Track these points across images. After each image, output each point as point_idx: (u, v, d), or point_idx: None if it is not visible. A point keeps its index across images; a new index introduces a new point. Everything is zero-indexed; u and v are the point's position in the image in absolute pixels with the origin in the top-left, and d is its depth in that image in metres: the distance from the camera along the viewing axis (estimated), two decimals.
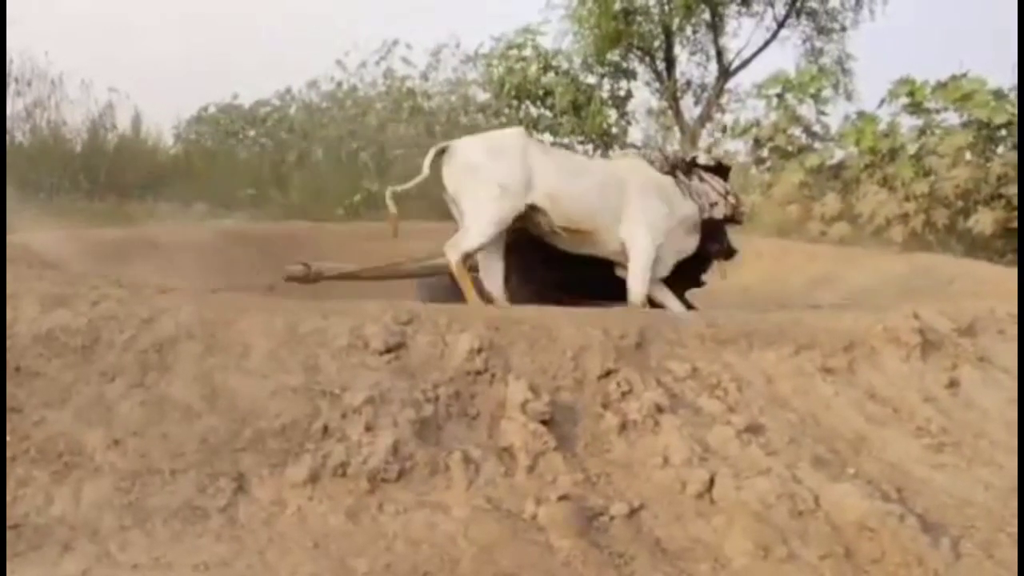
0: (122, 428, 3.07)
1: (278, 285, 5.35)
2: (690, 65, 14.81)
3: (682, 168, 5.19)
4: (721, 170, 5.33)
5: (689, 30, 14.48)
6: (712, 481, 3.04)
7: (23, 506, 2.79)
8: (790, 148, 8.79)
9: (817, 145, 8.86)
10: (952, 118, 8.02)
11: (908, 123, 8.24)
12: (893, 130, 8.18)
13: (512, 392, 3.29)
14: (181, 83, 16.80)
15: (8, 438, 2.99)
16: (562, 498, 2.91)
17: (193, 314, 3.55)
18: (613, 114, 13.69)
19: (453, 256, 4.71)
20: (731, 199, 5.15)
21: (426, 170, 4.80)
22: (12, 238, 5.68)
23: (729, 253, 5.34)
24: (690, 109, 14.55)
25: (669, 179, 5.09)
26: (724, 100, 14.13)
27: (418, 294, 5.50)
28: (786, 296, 6.36)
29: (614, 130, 13.49)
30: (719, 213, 5.11)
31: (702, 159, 5.40)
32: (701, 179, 5.18)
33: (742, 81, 14.29)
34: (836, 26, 14.48)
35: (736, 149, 9.75)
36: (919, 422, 3.54)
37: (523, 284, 5.09)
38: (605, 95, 13.73)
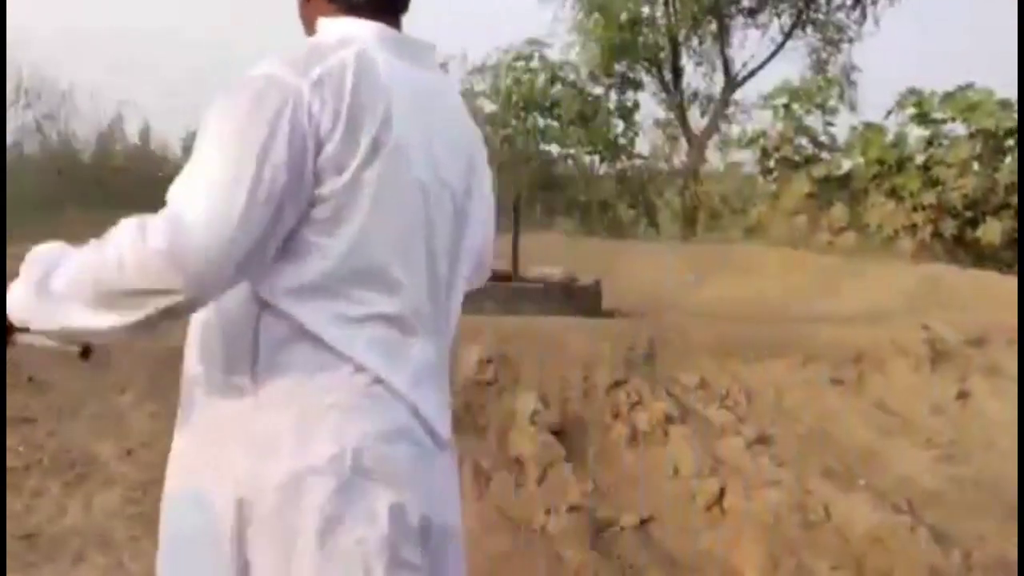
0: (133, 439, 3.08)
1: None
2: (696, 76, 14.86)
3: None
4: None
5: (696, 41, 14.53)
6: (722, 492, 3.04)
7: (36, 516, 2.80)
8: (797, 158, 8.78)
9: (824, 155, 8.85)
10: (960, 129, 8.00)
11: (915, 134, 8.22)
12: (901, 141, 8.17)
13: (522, 403, 3.29)
14: (189, 94, 16.89)
15: (21, 448, 3.00)
16: (572, 509, 2.91)
17: None
18: (620, 125, 13.68)
19: None
20: None
21: None
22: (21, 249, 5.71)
23: None
24: (697, 120, 14.57)
25: None
26: (731, 111, 14.14)
27: None
28: (794, 307, 6.35)
29: (621, 140, 13.48)
30: None
31: None
32: None
33: (749, 92, 14.30)
34: (842, 37, 14.50)
35: (743, 159, 9.75)
36: (929, 433, 3.54)
37: None
38: (612, 106, 13.73)
